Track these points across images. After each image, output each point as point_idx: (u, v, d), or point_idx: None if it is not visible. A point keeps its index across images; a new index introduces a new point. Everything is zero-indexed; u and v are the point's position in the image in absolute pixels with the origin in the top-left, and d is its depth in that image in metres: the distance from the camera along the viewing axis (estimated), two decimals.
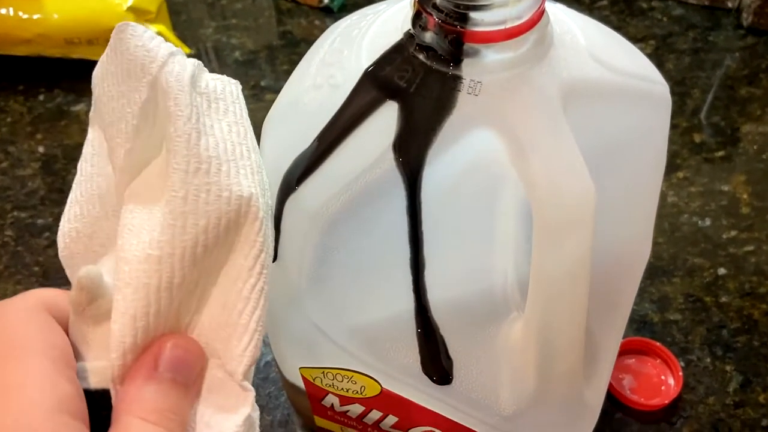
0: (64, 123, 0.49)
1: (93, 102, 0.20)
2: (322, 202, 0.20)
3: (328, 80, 0.21)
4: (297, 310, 0.24)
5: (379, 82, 0.19)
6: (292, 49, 0.54)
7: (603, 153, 0.21)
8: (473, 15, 0.18)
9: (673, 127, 0.47)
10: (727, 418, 0.33)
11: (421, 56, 0.19)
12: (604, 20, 0.55)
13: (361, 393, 0.26)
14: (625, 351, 0.35)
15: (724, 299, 0.38)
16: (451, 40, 0.18)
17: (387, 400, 0.25)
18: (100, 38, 0.49)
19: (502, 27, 0.18)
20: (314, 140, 0.20)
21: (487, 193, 0.21)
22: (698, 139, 0.46)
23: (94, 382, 0.18)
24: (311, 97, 0.21)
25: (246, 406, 0.18)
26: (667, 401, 0.33)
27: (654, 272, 0.39)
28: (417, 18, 0.19)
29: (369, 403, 0.26)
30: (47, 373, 0.16)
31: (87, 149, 0.21)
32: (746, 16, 0.53)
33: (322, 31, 0.24)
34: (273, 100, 0.23)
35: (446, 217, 0.21)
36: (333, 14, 0.57)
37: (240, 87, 0.20)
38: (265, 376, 0.36)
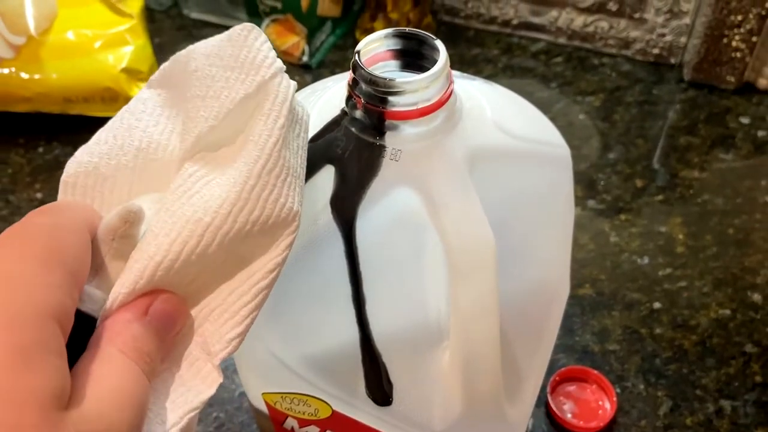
0: (61, 173, 0.53)
1: (165, 69, 0.21)
2: None
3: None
4: (257, 340, 0.27)
5: (319, 149, 0.24)
6: None
7: (512, 206, 0.25)
8: (391, 98, 0.22)
9: (618, 173, 0.51)
10: None
11: (353, 128, 0.23)
12: (559, 75, 0.60)
13: (316, 415, 0.29)
14: (566, 378, 0.39)
15: (658, 331, 0.42)
16: (375, 118, 0.22)
17: (338, 421, 0.29)
18: (96, 96, 0.53)
19: (414, 107, 0.22)
20: None
21: (416, 237, 0.25)
22: (640, 184, 0.51)
23: (86, 307, 0.18)
24: None
25: (212, 389, 0.19)
26: (602, 424, 0.37)
27: (596, 306, 0.43)
28: (349, 99, 0.23)
29: (323, 424, 0.29)
30: (63, 283, 0.17)
31: (137, 105, 0.22)
32: (687, 71, 0.58)
33: (302, 86, 0.28)
34: None
35: (382, 259, 0.25)
36: (311, 70, 0.62)
37: (310, 117, 0.23)
38: (239, 406, 0.39)
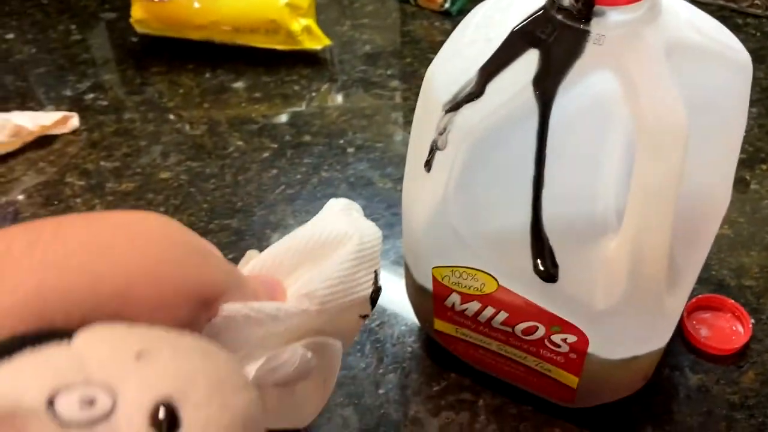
0: (226, 96, 0.59)
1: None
2: (476, 121, 0.27)
3: (483, 36, 0.28)
4: (440, 215, 0.31)
5: (525, 35, 0.27)
6: (415, 45, 0.62)
7: (695, 101, 0.27)
8: None
9: (760, 126, 0.52)
10: None
11: (559, 16, 0.26)
12: None
13: (481, 290, 0.32)
14: (701, 306, 0.41)
15: None
16: (584, 3, 0.25)
17: (501, 297, 0.32)
18: (261, 28, 0.58)
19: None
20: (475, 74, 0.27)
21: (600, 129, 0.27)
22: None
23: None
24: (469, 49, 0.29)
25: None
26: (737, 347, 0.38)
27: (733, 245, 0.44)
28: None
29: (485, 300, 0.33)
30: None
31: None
32: None
33: (442, 31, 0.31)
34: (396, 87, 0.31)
35: (566, 144, 0.28)
36: (451, 17, 0.65)
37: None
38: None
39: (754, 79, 0.57)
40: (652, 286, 0.29)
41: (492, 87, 0.27)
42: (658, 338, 0.32)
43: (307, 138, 0.55)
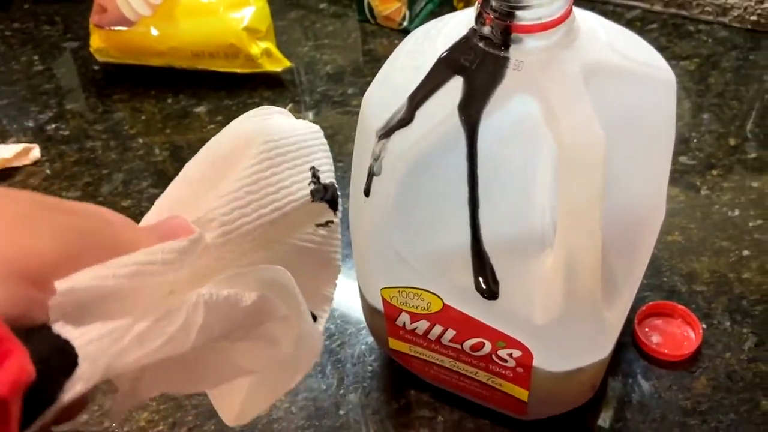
0: (188, 121, 0.59)
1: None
2: (407, 147, 0.28)
3: (412, 63, 0.29)
4: (382, 238, 0.31)
5: (450, 63, 0.27)
6: (375, 64, 0.63)
7: (618, 120, 0.28)
8: (518, 13, 0.25)
9: (711, 132, 0.53)
10: (741, 370, 0.39)
11: (481, 44, 0.27)
12: (653, 41, 0.61)
13: (427, 309, 0.33)
14: (653, 313, 0.41)
15: (746, 275, 0.43)
16: (502, 31, 0.26)
17: (447, 315, 0.32)
18: (220, 52, 0.59)
19: (538, 21, 0.25)
20: (405, 101, 0.28)
21: (530, 149, 0.28)
22: (733, 142, 0.52)
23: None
24: (400, 75, 0.30)
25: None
26: (687, 353, 0.39)
27: (684, 252, 0.45)
28: (479, 17, 0.27)
29: (433, 318, 0.33)
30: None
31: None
32: None
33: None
34: (358, 105, 0.31)
35: (498, 166, 0.29)
36: None
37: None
38: (346, 320, 0.43)
39: (707, 85, 0.58)
40: (588, 300, 0.30)
41: (421, 113, 0.28)
42: (601, 349, 0.32)
43: None
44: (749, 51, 0.60)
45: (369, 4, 0.67)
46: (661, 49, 0.63)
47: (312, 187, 0.21)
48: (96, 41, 0.60)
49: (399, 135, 0.28)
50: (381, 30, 0.67)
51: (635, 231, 0.32)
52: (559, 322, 0.30)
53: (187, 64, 0.60)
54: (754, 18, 0.60)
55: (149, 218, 0.21)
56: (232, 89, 0.62)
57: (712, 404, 0.38)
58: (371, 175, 0.30)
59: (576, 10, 0.28)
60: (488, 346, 0.33)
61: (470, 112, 0.27)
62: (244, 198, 0.19)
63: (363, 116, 0.31)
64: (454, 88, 0.27)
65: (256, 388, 0.22)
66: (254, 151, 0.20)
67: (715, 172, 0.50)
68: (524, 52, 0.26)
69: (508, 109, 0.27)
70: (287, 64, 0.61)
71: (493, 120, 0.27)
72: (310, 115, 0.59)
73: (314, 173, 0.21)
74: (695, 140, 0.52)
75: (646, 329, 0.41)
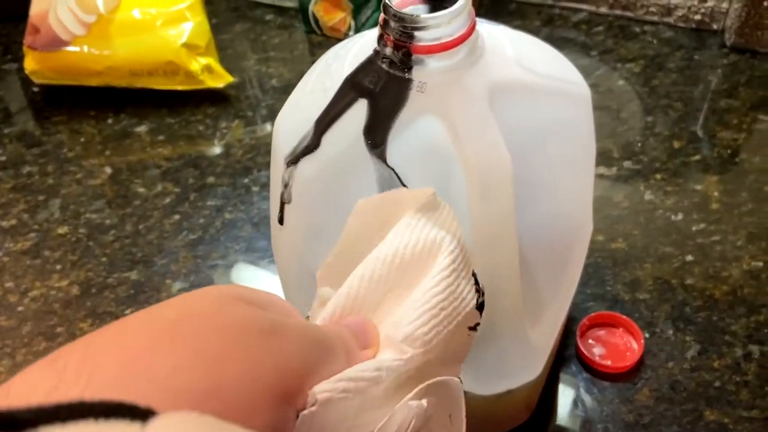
0: (129, 142, 0.58)
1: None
2: (315, 174, 0.27)
3: (321, 86, 0.28)
4: (300, 264, 0.30)
5: (355, 85, 0.26)
6: None
7: (531, 137, 0.27)
8: (417, 34, 0.24)
9: (655, 135, 0.52)
10: (684, 380, 0.38)
11: (384, 65, 0.26)
12: (600, 43, 0.61)
13: None
14: (596, 324, 0.41)
15: (689, 281, 0.43)
16: (403, 53, 0.25)
17: None
18: (159, 70, 0.58)
19: (438, 42, 0.25)
20: (311, 128, 0.27)
21: (440, 165, 0.27)
22: (677, 145, 0.51)
23: None
24: (308, 99, 0.28)
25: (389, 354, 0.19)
26: (629, 365, 0.38)
27: (628, 259, 0.44)
28: (380, 39, 0.26)
29: None
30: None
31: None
32: (728, 36, 0.58)
33: None
34: None
35: (409, 184, 0.28)
36: None
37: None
38: None
39: (652, 87, 0.58)
40: (511, 321, 0.29)
41: (327, 138, 0.27)
42: (530, 370, 0.32)
43: (211, 179, 0.54)
44: (694, 51, 0.59)
45: (314, 15, 0.66)
46: (607, 52, 0.63)
47: (479, 296, 0.22)
48: (30, 63, 0.58)
49: (306, 161, 0.27)
50: (328, 41, 0.66)
51: (561, 246, 0.31)
52: (483, 345, 0.29)
53: (125, 83, 0.59)
54: (698, 17, 0.60)
55: (332, 311, 0.21)
56: (174, 106, 0.60)
57: (655, 416, 0.37)
58: (282, 203, 0.29)
59: (484, 27, 0.27)
60: None
61: (375, 135, 0.26)
62: (439, 315, 0.20)
63: (274, 142, 0.30)
64: (359, 111, 0.26)
65: None
66: (442, 264, 0.20)
67: (659, 176, 0.49)
68: (427, 73, 0.25)
69: (416, 131, 0.26)
70: (230, 79, 0.60)
71: (401, 142, 0.26)
72: (257, 130, 0.58)
73: (476, 280, 0.22)
74: (640, 144, 0.52)
75: (589, 341, 0.40)
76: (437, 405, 0.20)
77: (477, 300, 0.22)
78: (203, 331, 0.15)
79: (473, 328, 0.22)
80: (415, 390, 0.19)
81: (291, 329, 0.17)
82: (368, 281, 0.20)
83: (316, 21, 0.66)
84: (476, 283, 0.22)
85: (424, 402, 0.19)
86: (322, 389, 0.16)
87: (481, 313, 0.22)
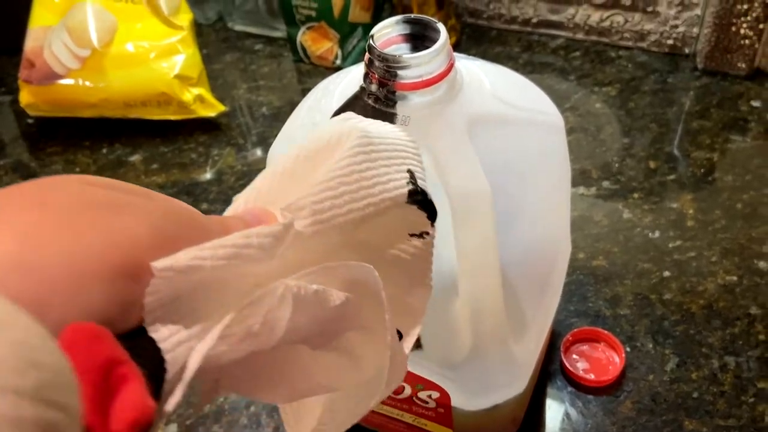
0: (123, 171, 0.59)
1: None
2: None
3: (310, 120, 0.30)
4: None
5: None
6: None
7: (510, 166, 0.29)
8: (400, 72, 0.26)
9: (632, 155, 0.54)
10: (664, 391, 0.40)
11: (370, 101, 0.28)
12: (578, 68, 0.63)
13: None
14: (578, 339, 0.42)
15: (667, 296, 0.44)
16: (388, 90, 0.27)
17: None
18: (152, 100, 0.59)
19: (420, 79, 0.26)
20: None
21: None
22: (653, 165, 0.54)
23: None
24: (299, 133, 0.30)
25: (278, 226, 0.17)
26: (612, 378, 0.40)
27: (608, 276, 0.46)
28: (366, 76, 0.28)
29: None
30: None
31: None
32: (700, 59, 0.61)
33: None
34: None
35: None
36: None
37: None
38: None
39: (627, 109, 0.60)
40: (495, 340, 0.31)
41: None
42: (515, 385, 0.33)
43: (204, 206, 0.55)
44: (668, 74, 0.62)
45: (302, 45, 0.68)
46: (585, 76, 0.65)
47: (410, 187, 0.19)
48: (25, 97, 0.60)
49: None
50: (316, 69, 0.69)
51: (541, 267, 0.33)
52: (469, 363, 0.31)
53: (119, 114, 0.61)
54: (670, 42, 0.63)
55: (234, 207, 0.19)
56: (167, 135, 0.62)
57: (637, 428, 0.39)
58: None
59: (462, 62, 0.29)
60: (408, 389, 0.33)
61: None
62: (337, 188, 0.18)
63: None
64: None
65: (331, 411, 0.21)
66: (348, 145, 0.19)
67: (636, 195, 0.51)
68: (410, 107, 0.27)
69: None
70: (221, 108, 0.62)
71: None
72: (248, 156, 0.60)
73: (412, 175, 0.20)
74: (617, 165, 0.54)
75: (573, 356, 0.42)
76: (355, 306, 0.18)
77: (411, 194, 0.20)
78: (25, 206, 0.14)
79: (419, 236, 0.20)
80: (307, 270, 0.17)
81: (135, 204, 0.15)
82: (270, 174, 0.19)
83: (304, 50, 0.68)
84: (413, 179, 0.20)
85: (314, 286, 0.17)
86: (161, 263, 0.14)
87: (431, 222, 0.21)
